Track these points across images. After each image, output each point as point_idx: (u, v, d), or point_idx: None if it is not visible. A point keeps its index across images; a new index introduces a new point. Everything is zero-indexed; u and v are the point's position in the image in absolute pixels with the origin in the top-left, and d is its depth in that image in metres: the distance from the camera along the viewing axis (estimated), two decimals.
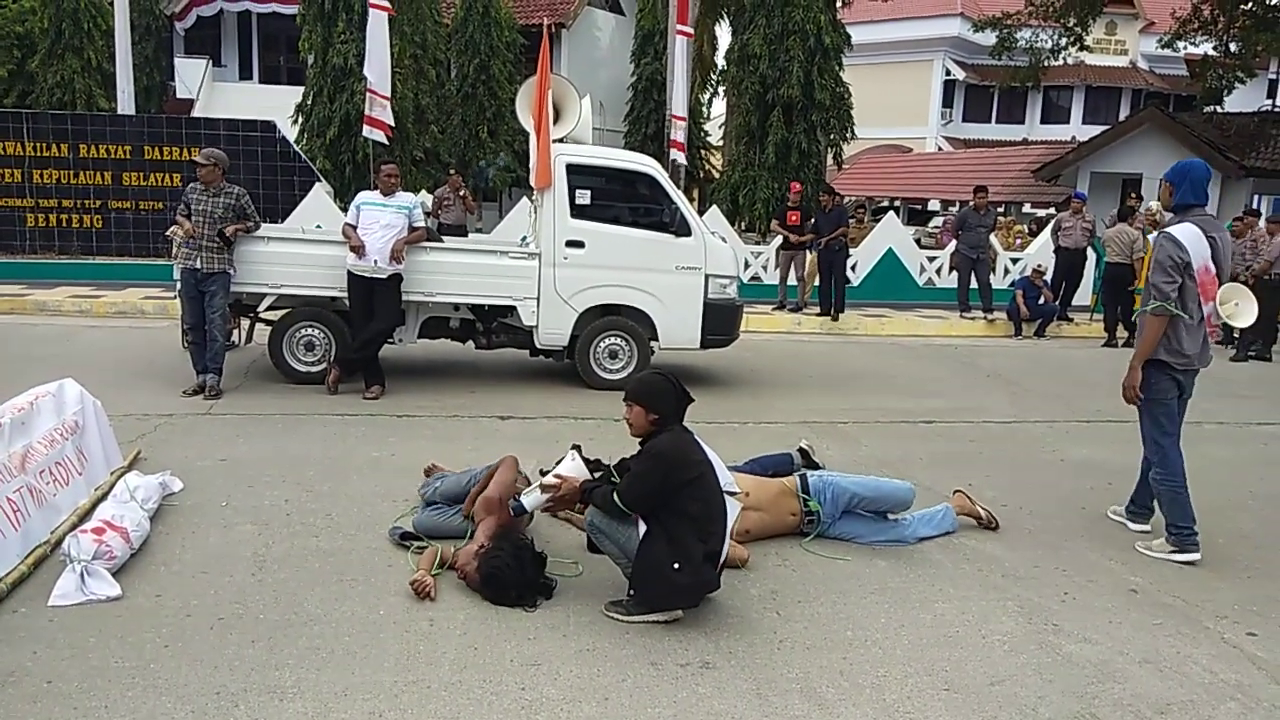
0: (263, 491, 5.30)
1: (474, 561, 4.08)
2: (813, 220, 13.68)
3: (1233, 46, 21.03)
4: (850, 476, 5.24)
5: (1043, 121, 38.84)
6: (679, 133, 14.28)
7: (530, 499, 4.24)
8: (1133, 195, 14.57)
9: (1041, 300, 13.58)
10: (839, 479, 5.13)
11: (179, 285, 7.51)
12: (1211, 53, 21.82)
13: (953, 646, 3.87)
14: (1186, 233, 4.88)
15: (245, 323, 8.99)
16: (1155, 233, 5.56)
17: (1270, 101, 26.17)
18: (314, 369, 8.05)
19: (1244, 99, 25.75)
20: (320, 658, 3.52)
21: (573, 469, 4.23)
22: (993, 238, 14.79)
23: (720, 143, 25.88)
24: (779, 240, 14.47)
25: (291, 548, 4.54)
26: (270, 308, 8.22)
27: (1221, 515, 5.75)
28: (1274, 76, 28.66)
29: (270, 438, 6.45)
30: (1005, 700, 3.46)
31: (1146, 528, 5.43)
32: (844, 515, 5.03)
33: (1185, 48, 22.41)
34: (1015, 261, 15.87)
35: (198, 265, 7.34)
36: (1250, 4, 20.07)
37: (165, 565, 4.27)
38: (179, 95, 24.84)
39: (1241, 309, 5.22)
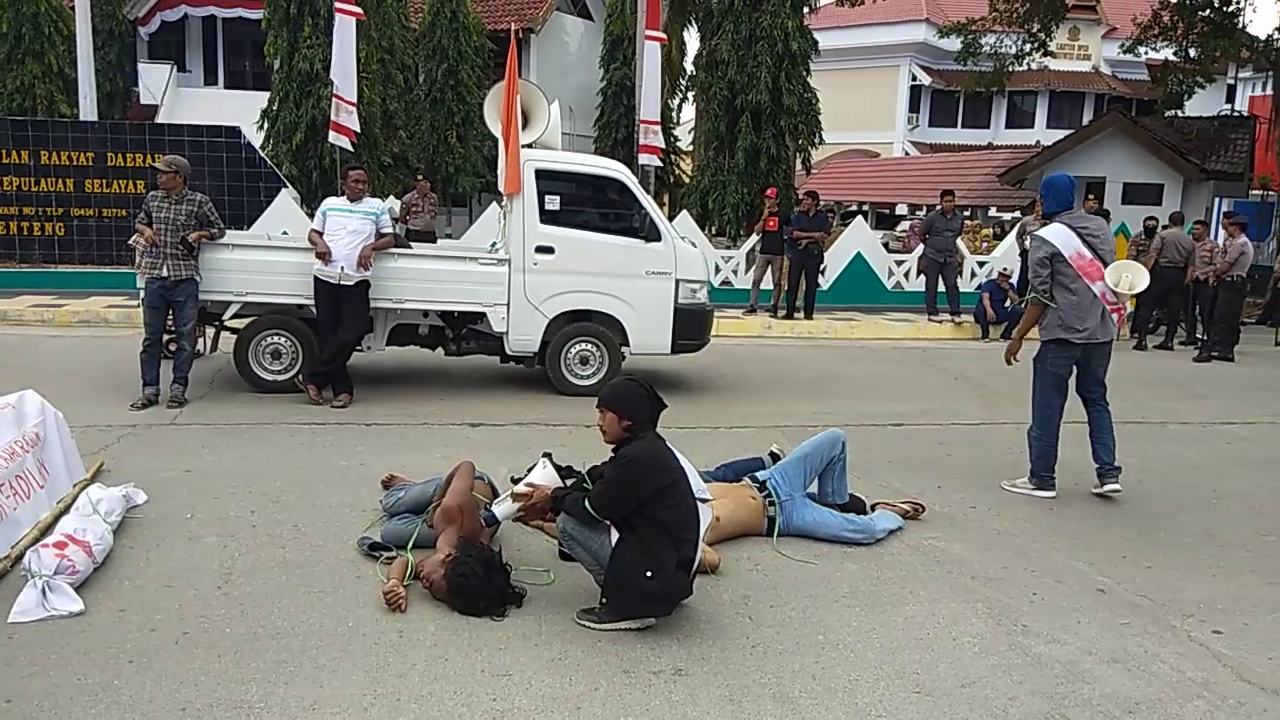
0: (228, 503, 5.23)
1: (440, 570, 4.04)
2: (793, 222, 13.58)
3: (1192, 52, 21.33)
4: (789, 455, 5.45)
5: (1008, 126, 39.23)
6: (652, 137, 14.26)
7: (502, 509, 4.21)
8: (1089, 197, 14.75)
9: (1008, 303, 13.72)
10: (781, 462, 5.36)
11: (143, 295, 7.41)
12: (1172, 58, 22.12)
13: (923, 649, 3.89)
14: (1051, 231, 5.88)
15: (210, 331, 8.88)
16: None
17: (1229, 106, 26.59)
18: (280, 378, 7.96)
19: (1204, 103, 26.13)
20: (288, 671, 3.47)
21: (544, 477, 4.20)
22: (959, 241, 14.92)
23: (690, 148, 25.92)
24: (750, 244, 14.47)
25: (258, 560, 4.49)
26: (235, 316, 8.13)
27: (1187, 515, 5.83)
28: (1232, 81, 29.12)
29: (236, 448, 6.37)
30: (976, 702, 3.48)
31: (1117, 486, 5.97)
32: (807, 503, 5.17)
33: (1146, 53, 22.68)
34: (982, 264, 16.00)
35: (165, 273, 7.25)
36: (1208, 10, 20.39)
37: (129, 579, 4.20)
38: (143, 101, 24.50)
39: (1135, 279, 5.87)
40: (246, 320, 8.12)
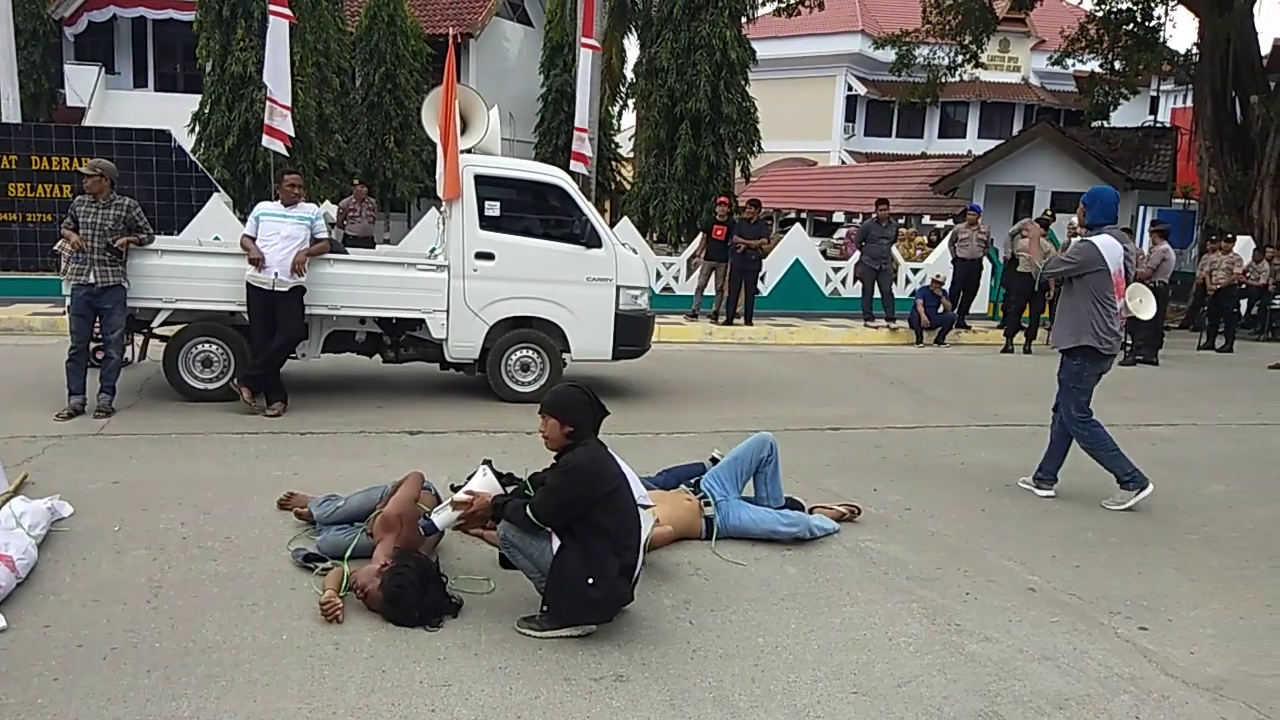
0: (157, 515, 5.10)
1: (376, 580, 3.98)
2: (734, 228, 13.70)
3: (1117, 64, 22.01)
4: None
5: (940, 136, 40.05)
6: (583, 145, 14.30)
7: (441, 517, 4.17)
8: (1048, 212, 15.26)
9: (941, 309, 13.97)
10: (714, 467, 5.46)
11: (69, 302, 7.21)
12: (1098, 70, 22.80)
13: (860, 650, 3.94)
14: (1105, 242, 5.90)
15: (138, 339, 8.66)
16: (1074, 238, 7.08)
17: (1153, 117, 27.49)
18: (211, 386, 7.78)
19: (1129, 114, 26.97)
20: (220, 687, 3.40)
21: (484, 484, 4.18)
22: (894, 249, 15.18)
23: (631, 155, 26.00)
24: (690, 250, 14.53)
25: (188, 573, 4.38)
26: (165, 323, 7.93)
27: (1114, 515, 5.98)
28: (1155, 94, 30.09)
29: (165, 458, 6.22)
30: (911, 701, 3.53)
31: (1051, 493, 6.22)
32: (742, 503, 5.26)
33: (1074, 65, 23.38)
34: (916, 272, 16.31)
35: (91, 280, 7.05)
36: (1131, 25, 21.07)
37: (54, 594, 4.08)
38: (69, 103, 23.84)
39: (1144, 304, 6.26)
40: (176, 327, 7.93)
